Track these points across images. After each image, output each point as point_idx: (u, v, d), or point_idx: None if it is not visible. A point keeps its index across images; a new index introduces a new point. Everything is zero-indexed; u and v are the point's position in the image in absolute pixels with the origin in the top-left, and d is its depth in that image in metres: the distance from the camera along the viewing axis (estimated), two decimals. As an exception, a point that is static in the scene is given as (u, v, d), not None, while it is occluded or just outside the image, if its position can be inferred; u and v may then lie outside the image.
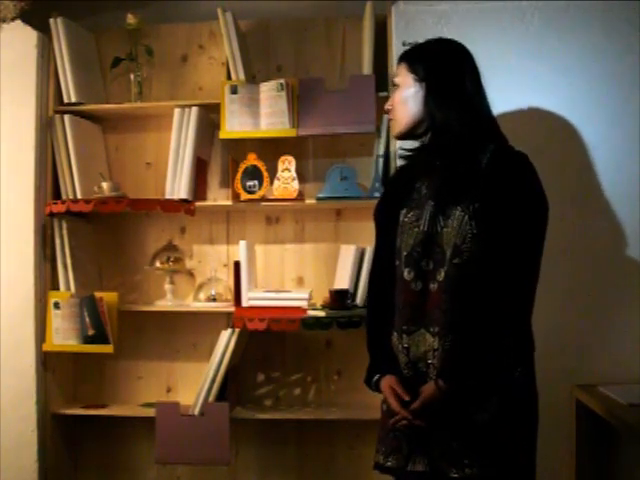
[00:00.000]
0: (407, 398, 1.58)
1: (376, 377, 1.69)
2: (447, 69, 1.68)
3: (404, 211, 1.69)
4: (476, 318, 1.55)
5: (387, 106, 1.78)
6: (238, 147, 2.63)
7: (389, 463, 1.64)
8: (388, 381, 1.65)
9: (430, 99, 1.67)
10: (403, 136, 1.76)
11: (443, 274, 1.59)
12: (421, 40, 1.77)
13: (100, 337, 2.46)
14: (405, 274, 1.65)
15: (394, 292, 1.69)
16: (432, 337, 1.60)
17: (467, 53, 1.72)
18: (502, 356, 1.57)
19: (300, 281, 2.67)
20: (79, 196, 2.50)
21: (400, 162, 1.89)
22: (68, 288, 2.51)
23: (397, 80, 1.74)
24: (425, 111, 1.68)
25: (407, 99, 1.70)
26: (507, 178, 1.59)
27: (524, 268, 1.58)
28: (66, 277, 2.52)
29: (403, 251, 1.66)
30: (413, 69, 1.70)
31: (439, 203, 1.62)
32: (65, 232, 2.52)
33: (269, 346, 2.65)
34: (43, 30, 2.57)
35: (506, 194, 1.57)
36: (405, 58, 1.75)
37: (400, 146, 1.83)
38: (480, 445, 1.55)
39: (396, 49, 2.37)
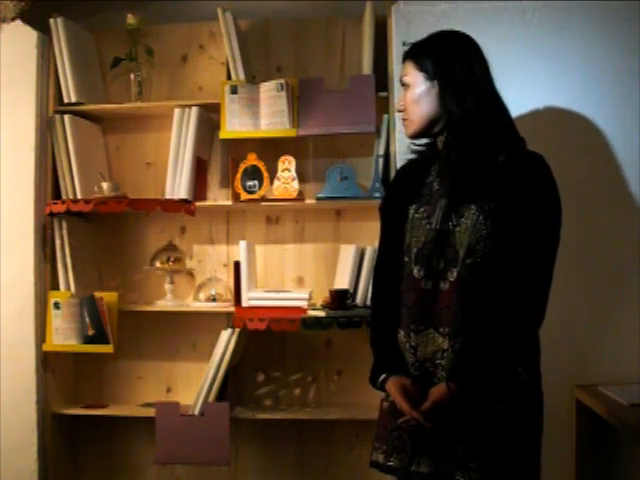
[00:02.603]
0: (425, 403, 1.55)
1: (382, 377, 1.65)
2: (456, 63, 1.63)
3: (414, 207, 1.66)
4: (488, 320, 1.53)
5: (399, 106, 1.73)
6: (238, 147, 2.62)
7: (391, 462, 1.62)
8: (397, 381, 1.61)
9: (445, 96, 1.62)
10: (418, 135, 1.71)
11: (455, 274, 1.57)
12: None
13: (100, 337, 2.46)
14: (415, 272, 1.62)
15: (400, 289, 1.67)
16: (441, 337, 1.58)
17: (473, 43, 1.68)
18: (512, 359, 1.57)
19: (300, 281, 2.67)
20: (79, 196, 2.50)
21: (403, 158, 1.87)
22: (68, 288, 2.51)
23: (406, 79, 1.68)
24: (441, 109, 1.64)
25: (420, 98, 1.65)
26: (526, 179, 1.57)
27: (539, 272, 1.55)
28: (66, 277, 2.52)
29: (413, 248, 1.63)
30: (421, 66, 1.65)
31: (452, 201, 1.60)
32: (65, 232, 2.52)
33: (269, 346, 2.65)
34: (43, 30, 2.57)
35: (524, 196, 1.55)
36: (411, 55, 1.69)
37: (411, 141, 1.79)
38: (485, 448, 1.54)
39: (396, 49, 2.36)
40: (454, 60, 1.64)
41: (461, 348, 1.55)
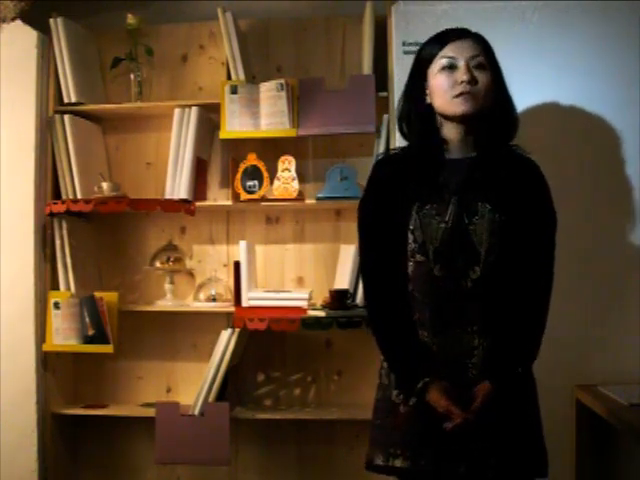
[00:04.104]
0: (474, 404, 1.54)
1: (421, 383, 1.56)
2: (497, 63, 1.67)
3: (417, 204, 1.62)
4: (516, 315, 1.57)
5: (468, 77, 1.59)
6: (238, 147, 2.62)
7: (418, 467, 1.60)
8: (440, 386, 1.55)
9: (494, 90, 1.63)
10: (472, 115, 1.62)
11: (478, 271, 1.58)
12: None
13: (100, 337, 2.46)
14: (435, 271, 1.60)
15: (404, 289, 1.64)
16: (470, 336, 1.58)
17: None
18: (536, 350, 1.61)
19: (300, 281, 2.67)
20: (79, 196, 2.50)
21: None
22: (68, 288, 2.51)
23: (484, 61, 1.62)
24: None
25: (491, 86, 1.62)
26: (529, 180, 1.64)
27: (550, 266, 1.63)
28: (66, 277, 2.52)
29: (430, 246, 1.60)
30: (488, 55, 1.64)
31: (464, 198, 1.60)
32: (65, 232, 2.52)
33: (269, 346, 2.65)
34: (43, 30, 2.57)
35: (530, 196, 1.62)
36: (482, 42, 1.65)
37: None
38: (511, 435, 1.57)
39: (396, 49, 2.36)
40: (496, 58, 1.68)
41: (492, 345, 1.57)
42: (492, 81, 1.62)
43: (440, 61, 1.63)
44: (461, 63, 1.61)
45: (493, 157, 1.63)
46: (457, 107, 1.61)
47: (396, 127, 1.79)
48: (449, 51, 1.62)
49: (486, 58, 1.63)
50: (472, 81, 1.59)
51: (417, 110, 1.68)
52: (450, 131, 1.66)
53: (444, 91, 1.62)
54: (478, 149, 1.65)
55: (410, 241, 1.63)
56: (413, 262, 1.63)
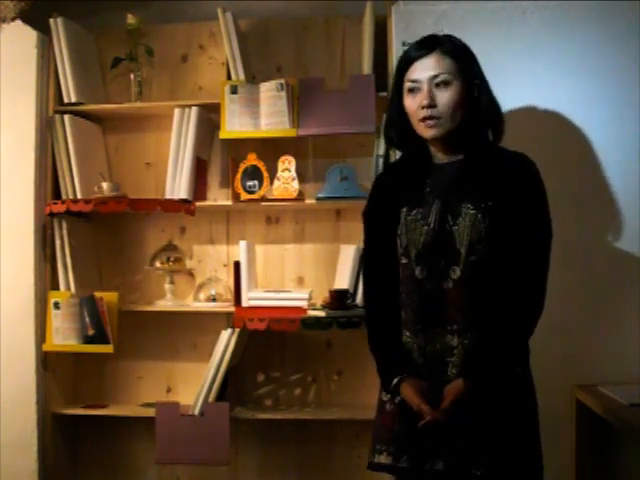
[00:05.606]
0: (444, 402, 1.55)
1: (395, 380, 1.63)
2: (476, 63, 1.66)
3: (405, 209, 1.67)
4: (496, 314, 1.57)
5: (427, 102, 1.61)
6: (238, 147, 2.63)
7: (402, 464, 1.62)
8: (411, 384, 1.60)
9: (471, 99, 1.63)
10: (445, 136, 1.64)
11: (458, 272, 1.59)
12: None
13: (100, 337, 2.46)
14: (417, 272, 1.63)
15: (396, 290, 1.69)
16: (450, 335, 1.60)
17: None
18: (521, 351, 1.61)
19: (300, 281, 2.67)
20: (79, 196, 2.50)
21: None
22: (68, 288, 2.51)
23: (447, 78, 1.61)
24: (463, 110, 1.63)
25: (460, 99, 1.62)
26: (520, 177, 1.62)
27: (541, 266, 1.61)
28: (66, 277, 2.52)
29: (412, 249, 1.64)
30: (457, 66, 1.62)
31: (448, 201, 1.62)
32: (65, 232, 2.53)
33: (269, 346, 2.65)
34: (43, 30, 2.57)
35: (521, 194, 1.61)
36: (453, 52, 1.63)
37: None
38: (496, 440, 1.56)
39: (396, 49, 2.36)
40: (475, 60, 1.67)
41: (471, 344, 1.58)
42: (461, 91, 1.62)
43: (406, 84, 1.66)
44: (424, 86, 1.63)
45: (480, 159, 1.65)
46: (424, 131, 1.65)
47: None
48: (413, 73, 1.65)
49: (454, 69, 1.61)
50: (432, 105, 1.61)
51: (399, 119, 1.71)
52: (430, 145, 1.71)
53: (412, 114, 1.66)
54: (464, 152, 1.67)
55: (398, 245, 1.68)
56: (400, 265, 1.68)
